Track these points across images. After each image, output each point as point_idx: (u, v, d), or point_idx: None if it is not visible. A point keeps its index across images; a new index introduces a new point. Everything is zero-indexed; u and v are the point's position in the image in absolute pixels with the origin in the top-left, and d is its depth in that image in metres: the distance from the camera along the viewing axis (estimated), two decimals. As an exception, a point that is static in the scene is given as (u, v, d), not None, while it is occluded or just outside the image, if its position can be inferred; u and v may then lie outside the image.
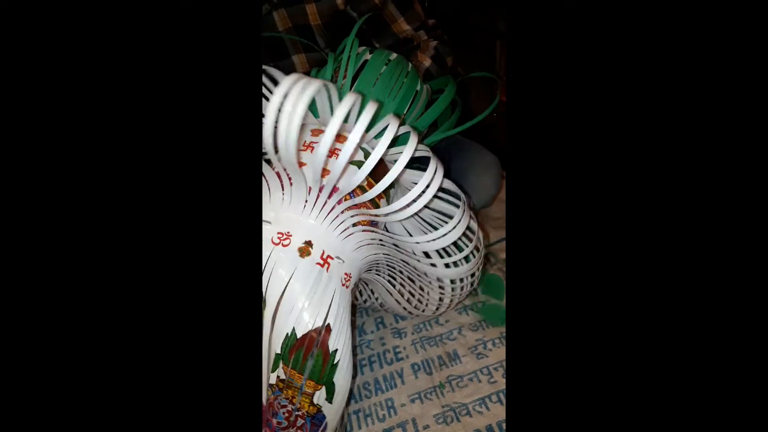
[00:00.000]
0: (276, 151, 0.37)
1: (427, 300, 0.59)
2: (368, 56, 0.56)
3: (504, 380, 0.59)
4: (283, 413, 0.41)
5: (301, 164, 0.42)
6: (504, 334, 0.64)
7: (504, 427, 0.54)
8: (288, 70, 0.76)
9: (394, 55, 0.57)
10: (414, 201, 0.40)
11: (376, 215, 0.44)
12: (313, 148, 0.45)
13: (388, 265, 0.55)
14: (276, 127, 0.35)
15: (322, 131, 0.40)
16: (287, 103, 0.34)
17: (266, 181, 0.45)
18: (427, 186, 0.40)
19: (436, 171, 0.40)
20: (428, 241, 0.46)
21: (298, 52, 0.74)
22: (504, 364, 0.61)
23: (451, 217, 0.48)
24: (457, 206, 0.47)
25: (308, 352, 0.40)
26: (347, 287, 0.45)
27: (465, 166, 0.68)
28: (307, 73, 0.72)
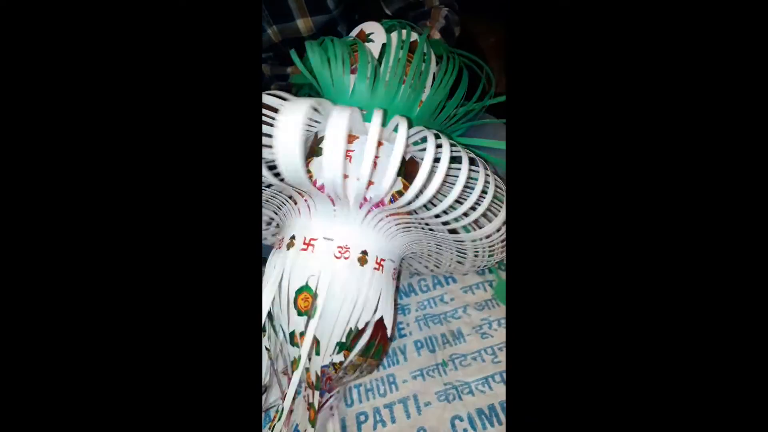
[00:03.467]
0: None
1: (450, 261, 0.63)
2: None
3: (508, 360, 0.58)
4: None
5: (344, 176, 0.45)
6: (510, 315, 0.63)
7: (506, 408, 0.54)
8: (291, 34, 0.72)
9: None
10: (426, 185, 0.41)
11: (407, 210, 0.47)
12: (351, 157, 0.47)
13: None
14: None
15: (356, 137, 0.47)
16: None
17: (312, 198, 0.48)
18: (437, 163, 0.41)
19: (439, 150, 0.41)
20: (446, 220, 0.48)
21: (303, 15, 0.70)
22: (509, 344, 0.60)
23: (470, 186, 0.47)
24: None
25: (371, 339, 0.50)
26: (394, 278, 0.53)
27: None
28: (313, 37, 0.68)
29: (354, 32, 0.59)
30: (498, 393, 0.55)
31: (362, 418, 0.55)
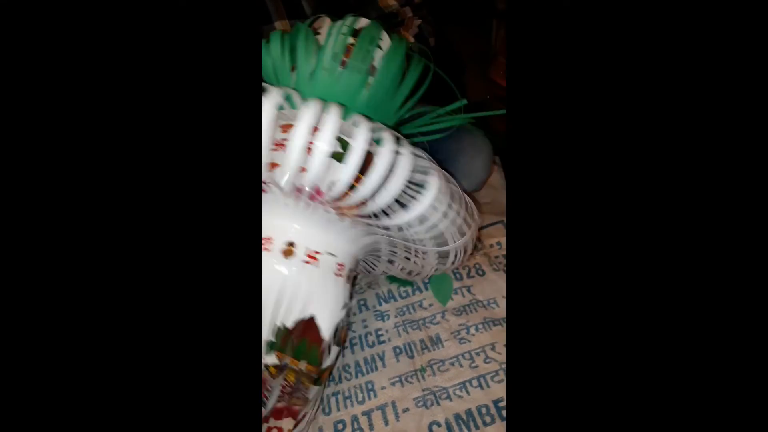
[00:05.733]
0: None
1: (429, 264, 0.61)
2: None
3: (485, 365, 0.59)
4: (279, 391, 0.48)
5: (273, 165, 0.43)
6: (486, 319, 0.64)
7: (483, 412, 0.54)
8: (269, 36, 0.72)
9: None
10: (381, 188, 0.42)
11: (350, 209, 0.45)
12: (284, 146, 0.42)
13: (387, 243, 0.55)
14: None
15: (292, 126, 0.42)
16: None
17: None
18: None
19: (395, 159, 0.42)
20: (402, 220, 0.47)
21: (281, 17, 0.71)
22: (486, 349, 0.60)
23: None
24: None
25: (299, 340, 0.46)
26: (341, 276, 0.49)
27: (455, 148, 0.66)
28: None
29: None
30: (475, 398, 0.56)
31: (340, 426, 0.54)
